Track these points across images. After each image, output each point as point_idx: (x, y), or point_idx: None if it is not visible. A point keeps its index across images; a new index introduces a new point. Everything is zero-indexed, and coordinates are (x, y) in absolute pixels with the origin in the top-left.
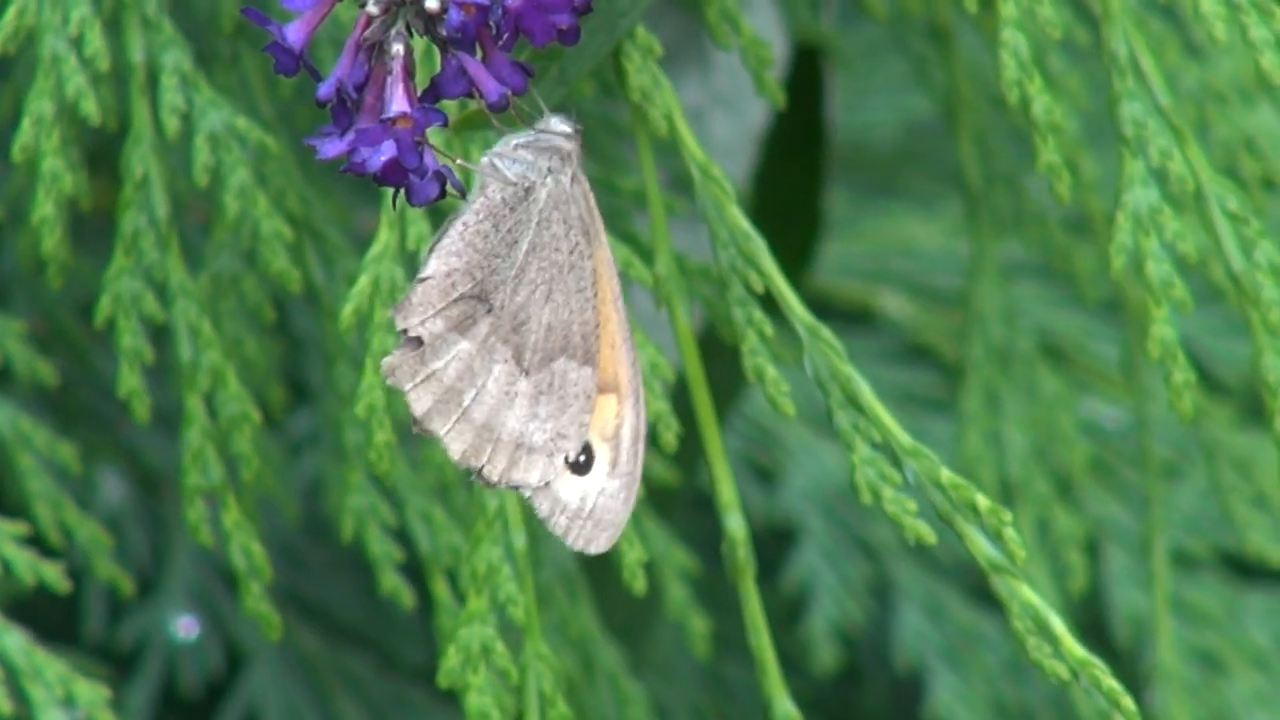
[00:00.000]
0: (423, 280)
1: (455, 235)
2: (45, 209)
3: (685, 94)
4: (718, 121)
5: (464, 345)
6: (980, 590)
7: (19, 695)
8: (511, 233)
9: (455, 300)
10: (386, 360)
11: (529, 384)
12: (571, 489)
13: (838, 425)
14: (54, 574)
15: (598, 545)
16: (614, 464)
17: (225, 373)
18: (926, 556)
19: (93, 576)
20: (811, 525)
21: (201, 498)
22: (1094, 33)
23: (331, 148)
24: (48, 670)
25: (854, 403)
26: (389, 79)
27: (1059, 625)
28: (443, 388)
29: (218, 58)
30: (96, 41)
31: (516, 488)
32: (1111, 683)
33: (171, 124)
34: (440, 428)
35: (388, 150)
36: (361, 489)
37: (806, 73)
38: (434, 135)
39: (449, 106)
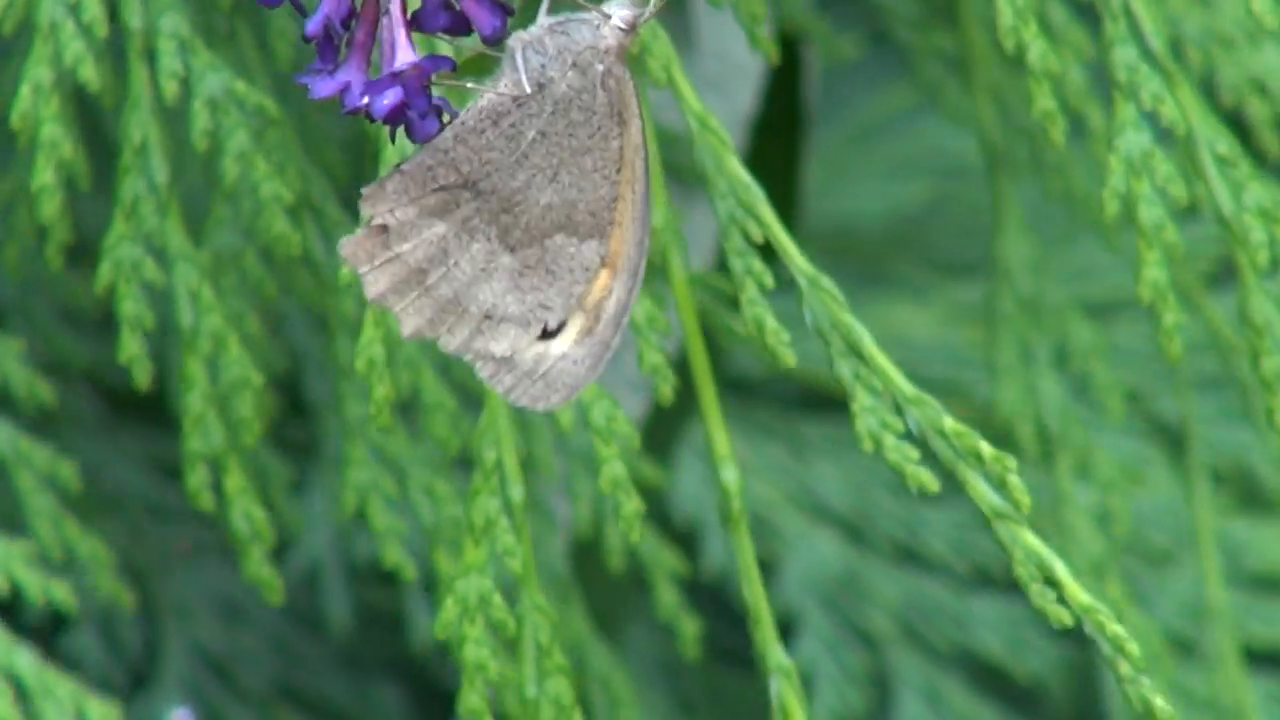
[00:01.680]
0: (400, 171)
1: (448, 134)
2: (45, 176)
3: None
4: (708, 105)
5: (439, 229)
6: (980, 677)
7: (31, 713)
8: (516, 126)
9: (435, 190)
10: (345, 240)
11: (514, 260)
12: (530, 351)
13: (838, 373)
14: (63, 593)
15: (546, 404)
16: (588, 331)
17: (226, 338)
18: (926, 645)
19: (96, 595)
20: (810, 615)
21: (203, 463)
22: None
23: (324, 85)
24: (59, 689)
25: (855, 351)
26: (386, 22)
27: (1063, 571)
28: (406, 269)
29: (215, 33)
30: (95, 8)
31: (473, 355)
32: (1116, 628)
33: (170, 88)
34: (396, 305)
35: (393, 96)
36: (363, 464)
37: (786, 58)
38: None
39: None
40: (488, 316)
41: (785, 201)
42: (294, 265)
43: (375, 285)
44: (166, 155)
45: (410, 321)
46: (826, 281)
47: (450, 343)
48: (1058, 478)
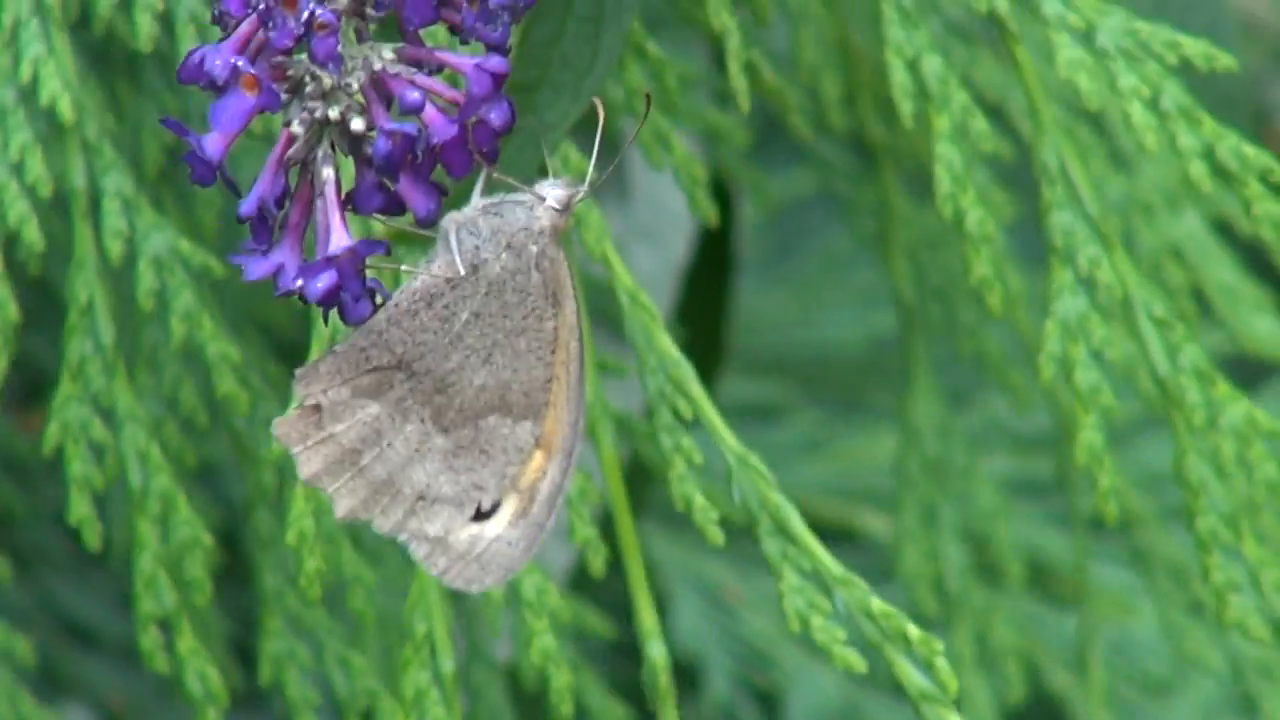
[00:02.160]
0: (334, 352)
1: (382, 315)
2: None
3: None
4: (639, 254)
5: (372, 409)
6: None
7: None
8: (450, 308)
9: (368, 371)
10: (278, 421)
11: (447, 440)
12: (464, 533)
13: (766, 553)
14: None
15: (480, 586)
16: (522, 513)
17: (175, 497)
18: None
19: None
20: None
21: (155, 624)
22: (1016, 144)
23: (257, 267)
24: None
25: (783, 530)
26: (321, 204)
27: None
28: (339, 450)
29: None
30: (38, 168)
31: (408, 536)
32: None
33: (115, 248)
34: (330, 486)
35: (327, 279)
36: (280, 634)
37: (719, 203)
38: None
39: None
40: (421, 498)
41: (710, 351)
42: (216, 434)
43: (308, 466)
44: (113, 315)
45: (344, 503)
46: (755, 459)
47: (384, 524)
48: (955, 641)
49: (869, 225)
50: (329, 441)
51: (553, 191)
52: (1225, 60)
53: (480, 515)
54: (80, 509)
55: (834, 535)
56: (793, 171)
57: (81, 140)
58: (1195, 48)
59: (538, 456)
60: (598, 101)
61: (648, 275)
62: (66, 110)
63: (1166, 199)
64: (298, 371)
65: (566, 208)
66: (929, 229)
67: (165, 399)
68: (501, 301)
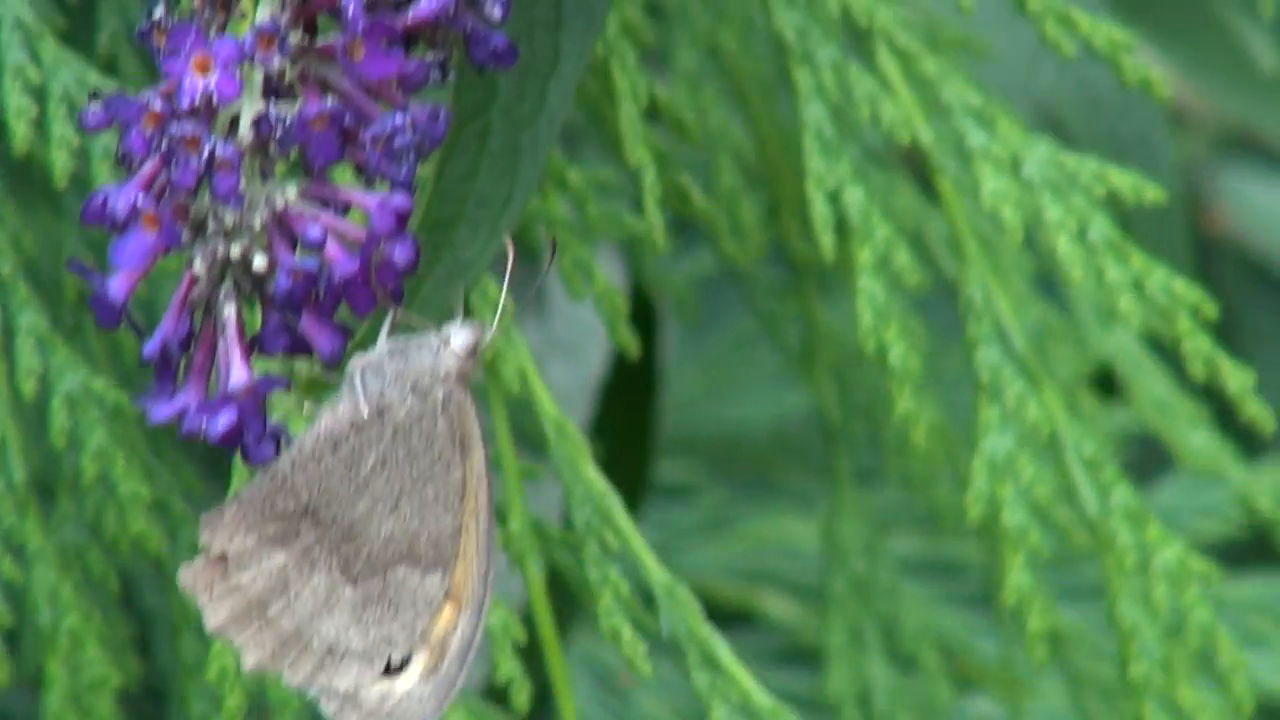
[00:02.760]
0: (239, 499)
1: (286, 460)
2: None
3: (523, 340)
4: (556, 369)
5: (279, 559)
6: None
7: None
8: (355, 452)
9: (274, 518)
10: (183, 569)
11: (356, 592)
12: (374, 688)
13: (695, 686)
14: None
15: None
16: (433, 670)
17: (85, 637)
18: None
19: None
20: None
21: None
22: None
23: (162, 410)
24: None
25: (712, 662)
26: (222, 343)
27: None
28: (246, 600)
29: (60, 326)
30: None
31: (318, 690)
32: None
33: (28, 386)
34: (238, 638)
35: (227, 418)
36: None
37: (641, 317)
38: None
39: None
40: (330, 651)
41: (633, 472)
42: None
43: (215, 616)
44: (24, 453)
45: (252, 655)
46: (683, 591)
47: (294, 677)
48: None
49: (793, 337)
50: (235, 592)
51: (458, 335)
52: (1153, 193)
53: (391, 670)
54: None
55: (734, 616)
56: (700, 251)
57: None
58: (1123, 180)
59: (447, 609)
60: (508, 241)
61: (565, 390)
62: None
63: (1098, 314)
64: (204, 517)
65: (472, 352)
66: (853, 345)
67: (88, 525)
68: (408, 448)
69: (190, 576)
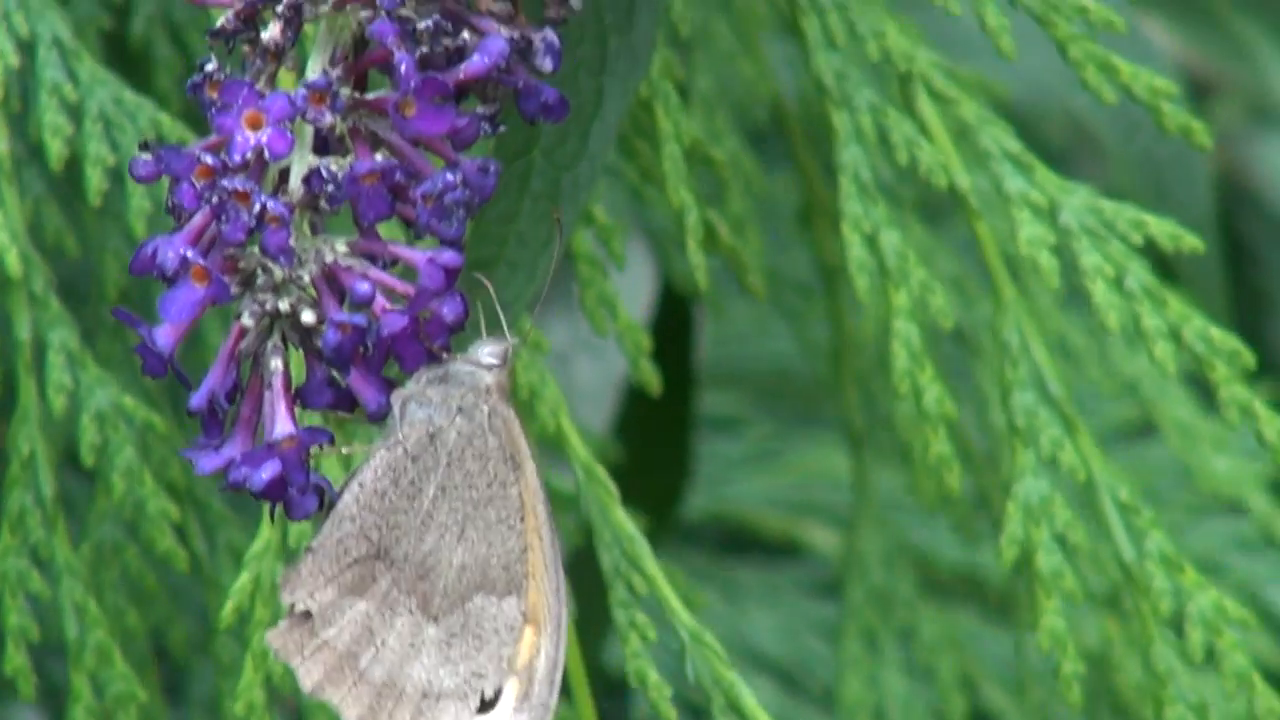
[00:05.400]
0: (312, 550)
1: (350, 499)
2: None
3: (551, 336)
4: (581, 366)
5: (360, 607)
6: None
7: None
8: (415, 483)
9: (349, 565)
10: (271, 634)
11: (439, 630)
12: None
13: None
14: None
15: None
16: (525, 696)
17: (111, 651)
18: None
19: None
20: None
21: None
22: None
23: (209, 461)
24: None
25: (736, 708)
26: (268, 395)
27: None
28: (336, 655)
29: (103, 326)
30: None
31: None
32: None
33: (58, 402)
34: (335, 696)
35: (271, 469)
36: None
37: (676, 318)
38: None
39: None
40: (425, 695)
41: (670, 470)
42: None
43: (310, 677)
44: (54, 468)
45: (351, 712)
46: (709, 637)
47: None
48: None
49: (820, 340)
50: (325, 649)
51: (486, 349)
52: (1191, 240)
53: (485, 705)
54: (16, 660)
55: (780, 548)
56: None
57: (28, 294)
58: (1161, 227)
59: (528, 633)
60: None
61: (588, 388)
62: (13, 264)
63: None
64: (280, 578)
65: (504, 361)
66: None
67: (125, 523)
68: (464, 471)
69: (279, 640)
